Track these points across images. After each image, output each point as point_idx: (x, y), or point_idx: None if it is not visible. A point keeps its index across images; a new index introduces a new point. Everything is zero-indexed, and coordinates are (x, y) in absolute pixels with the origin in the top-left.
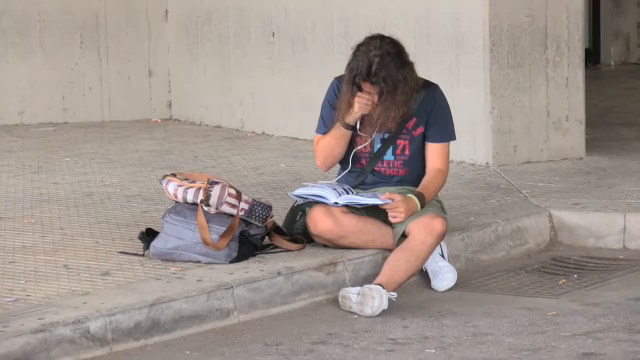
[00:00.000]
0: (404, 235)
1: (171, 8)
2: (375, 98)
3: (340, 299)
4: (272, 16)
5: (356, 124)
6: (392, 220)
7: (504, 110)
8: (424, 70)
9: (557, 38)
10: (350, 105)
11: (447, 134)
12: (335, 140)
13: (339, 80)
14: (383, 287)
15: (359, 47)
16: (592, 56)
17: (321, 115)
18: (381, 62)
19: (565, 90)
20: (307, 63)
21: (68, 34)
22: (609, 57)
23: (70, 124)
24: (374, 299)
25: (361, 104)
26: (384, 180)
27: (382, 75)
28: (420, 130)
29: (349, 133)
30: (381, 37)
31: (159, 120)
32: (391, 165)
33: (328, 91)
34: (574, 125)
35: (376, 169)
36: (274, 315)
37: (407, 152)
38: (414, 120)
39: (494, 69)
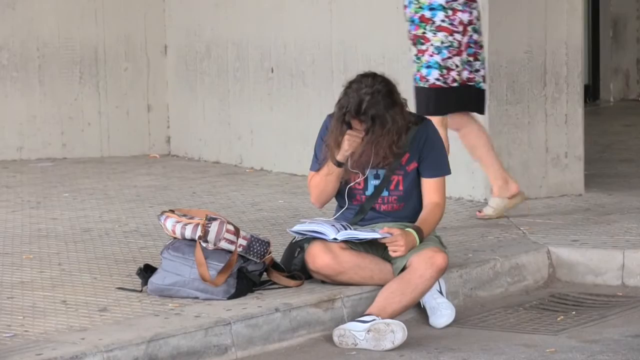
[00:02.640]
0: (404, 270)
1: (170, 43)
2: (363, 135)
3: (336, 338)
4: (271, 51)
5: (347, 161)
6: (392, 254)
7: (503, 146)
8: None
9: (556, 74)
10: (337, 142)
11: (441, 168)
12: (327, 177)
13: (331, 117)
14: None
15: (350, 84)
16: (591, 92)
17: (315, 152)
18: (371, 101)
19: (564, 127)
20: (306, 98)
21: (67, 69)
22: (608, 94)
23: (69, 159)
24: (394, 332)
25: (351, 141)
26: (381, 216)
27: (370, 113)
28: (413, 165)
29: (339, 170)
30: (373, 76)
31: (158, 156)
32: (385, 201)
33: (321, 129)
34: (573, 162)
35: (372, 205)
36: (272, 352)
37: (400, 188)
38: (407, 155)
39: (493, 105)
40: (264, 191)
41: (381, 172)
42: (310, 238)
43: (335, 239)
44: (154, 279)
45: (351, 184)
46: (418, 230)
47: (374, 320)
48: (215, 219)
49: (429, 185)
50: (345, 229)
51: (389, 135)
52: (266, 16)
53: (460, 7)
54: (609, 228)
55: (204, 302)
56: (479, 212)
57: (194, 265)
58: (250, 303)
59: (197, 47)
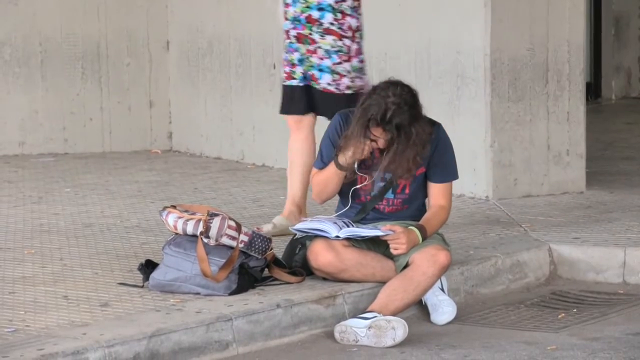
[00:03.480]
0: (406, 268)
1: (172, 39)
2: (380, 142)
3: (338, 334)
4: (273, 47)
5: (354, 165)
6: (393, 252)
7: (505, 143)
8: (424, 102)
9: (558, 72)
10: (357, 145)
11: (450, 174)
12: (329, 177)
13: (341, 116)
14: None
15: (375, 89)
16: (593, 90)
17: (320, 150)
18: (397, 111)
19: (566, 124)
20: None
21: (69, 64)
22: (610, 91)
23: (70, 154)
24: (395, 329)
25: (356, 152)
26: (384, 217)
27: (395, 122)
28: (421, 170)
29: (342, 173)
30: (401, 85)
31: (159, 152)
32: (391, 203)
33: (330, 127)
34: (575, 159)
35: (376, 206)
36: (273, 348)
37: (407, 191)
38: None
39: (495, 102)
40: (266, 187)
41: (388, 175)
42: (311, 235)
43: (337, 236)
44: (156, 275)
45: (358, 186)
46: (421, 229)
47: (375, 317)
48: (216, 215)
49: (436, 189)
50: (348, 226)
51: (414, 146)
52: (268, 12)
53: (349, 12)
54: (610, 226)
55: (205, 298)
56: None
57: (195, 261)
58: (252, 299)
59: (199, 43)
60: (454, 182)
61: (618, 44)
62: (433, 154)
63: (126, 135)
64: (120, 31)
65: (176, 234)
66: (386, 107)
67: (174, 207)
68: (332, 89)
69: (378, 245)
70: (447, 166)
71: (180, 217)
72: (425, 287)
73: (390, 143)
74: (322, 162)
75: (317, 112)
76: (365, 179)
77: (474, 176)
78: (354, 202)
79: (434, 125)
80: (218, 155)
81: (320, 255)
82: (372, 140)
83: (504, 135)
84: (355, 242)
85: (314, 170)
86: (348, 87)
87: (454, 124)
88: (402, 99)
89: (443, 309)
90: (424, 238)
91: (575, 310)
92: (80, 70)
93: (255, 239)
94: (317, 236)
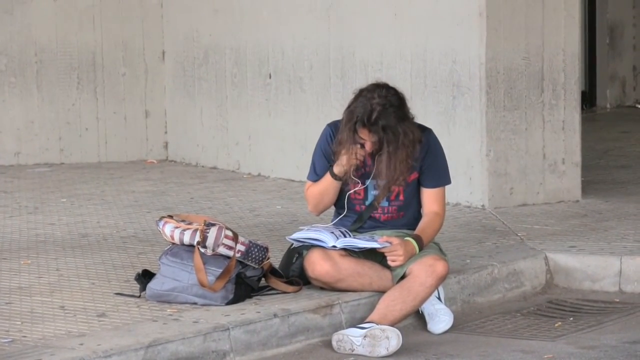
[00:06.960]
0: (403, 277)
1: (168, 49)
2: (368, 145)
3: (335, 343)
4: (269, 57)
5: (345, 175)
6: (391, 264)
7: (500, 152)
8: (420, 111)
9: (553, 81)
10: (349, 150)
11: (442, 179)
12: (324, 189)
13: (331, 127)
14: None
15: (361, 92)
16: (588, 99)
17: (313, 162)
18: (382, 112)
19: (561, 133)
20: (303, 104)
21: (65, 75)
22: (604, 100)
23: (66, 164)
24: (389, 339)
25: (350, 158)
26: (381, 225)
27: (381, 124)
28: (414, 176)
29: (338, 183)
30: (387, 87)
31: (155, 161)
32: (386, 211)
33: (321, 139)
34: (570, 168)
35: (372, 214)
36: (270, 357)
37: (401, 198)
38: None
39: (490, 111)
40: (262, 197)
41: (382, 182)
42: (308, 244)
43: (334, 246)
44: (152, 285)
45: (350, 192)
46: (417, 239)
47: (371, 326)
48: (213, 225)
49: (429, 195)
50: (345, 236)
51: (404, 147)
52: (264, 22)
53: None
54: (606, 234)
55: (202, 308)
56: None
57: (192, 270)
58: (249, 309)
59: (195, 53)
60: (450, 191)
61: (613, 53)
62: (425, 159)
63: (122, 145)
64: (115, 41)
65: (173, 243)
66: (371, 108)
67: (170, 217)
68: None
69: (375, 254)
70: (439, 171)
71: (177, 227)
72: (423, 298)
73: (380, 146)
74: (315, 174)
75: None
76: (358, 185)
77: (470, 185)
78: (349, 211)
79: (424, 130)
80: (214, 165)
81: (317, 265)
82: (361, 145)
83: (500, 144)
84: (352, 251)
85: (308, 183)
86: None
87: (450, 133)
88: (387, 100)
89: (440, 318)
90: (421, 248)
91: (571, 318)
92: (76, 80)
93: (252, 248)
94: (314, 246)
